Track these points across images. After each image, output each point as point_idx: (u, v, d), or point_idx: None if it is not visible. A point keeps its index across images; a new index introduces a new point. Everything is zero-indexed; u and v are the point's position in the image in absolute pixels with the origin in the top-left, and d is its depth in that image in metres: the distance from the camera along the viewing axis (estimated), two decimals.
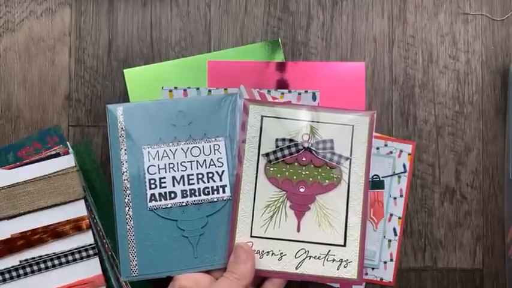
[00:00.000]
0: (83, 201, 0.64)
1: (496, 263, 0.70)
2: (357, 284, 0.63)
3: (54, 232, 0.63)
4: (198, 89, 0.69)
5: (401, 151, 0.70)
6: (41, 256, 0.63)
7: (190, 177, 0.64)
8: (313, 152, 0.64)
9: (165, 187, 0.64)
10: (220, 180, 0.64)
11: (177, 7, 0.71)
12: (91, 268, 0.63)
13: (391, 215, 0.69)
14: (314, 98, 0.69)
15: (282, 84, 0.69)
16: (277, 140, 0.64)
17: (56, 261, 0.63)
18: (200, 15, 0.71)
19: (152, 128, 0.64)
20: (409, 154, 0.70)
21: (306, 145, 0.64)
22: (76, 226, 0.63)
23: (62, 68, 0.70)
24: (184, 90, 0.69)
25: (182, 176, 0.64)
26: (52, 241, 0.63)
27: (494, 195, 0.71)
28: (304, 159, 0.64)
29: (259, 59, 0.70)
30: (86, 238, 0.63)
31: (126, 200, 0.63)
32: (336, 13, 0.71)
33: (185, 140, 0.65)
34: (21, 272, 0.62)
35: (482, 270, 0.70)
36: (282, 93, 0.69)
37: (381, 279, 0.69)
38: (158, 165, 0.64)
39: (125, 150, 0.64)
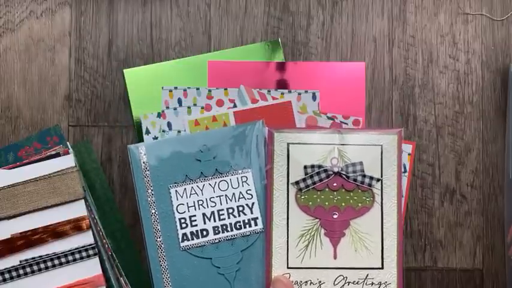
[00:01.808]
0: (83, 201, 0.64)
1: (496, 263, 0.70)
2: None
3: (54, 232, 0.63)
4: (198, 89, 0.69)
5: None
6: (41, 256, 0.63)
7: (221, 212, 0.63)
8: (344, 176, 0.63)
9: (196, 225, 0.63)
10: (251, 212, 0.63)
11: (177, 7, 0.71)
12: (91, 268, 0.63)
13: None
14: (314, 98, 0.69)
15: (282, 84, 0.69)
16: (305, 167, 0.63)
17: (56, 261, 0.63)
18: (200, 15, 0.71)
19: (177, 165, 0.63)
20: (409, 154, 0.70)
21: (335, 170, 0.63)
22: (76, 226, 0.63)
23: (62, 68, 0.70)
24: (184, 90, 0.69)
25: (212, 212, 0.63)
26: (52, 241, 0.63)
27: (494, 195, 0.71)
28: (335, 184, 0.63)
29: (259, 59, 0.70)
30: (86, 238, 0.63)
31: (158, 242, 0.62)
32: (336, 13, 0.71)
33: (211, 174, 0.63)
34: (21, 272, 0.62)
35: (482, 270, 0.70)
36: (282, 93, 0.69)
37: None
38: (187, 203, 0.63)
39: (152, 191, 0.63)
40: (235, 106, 0.68)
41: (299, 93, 0.69)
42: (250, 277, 0.62)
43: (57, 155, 0.64)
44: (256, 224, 0.63)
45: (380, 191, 0.63)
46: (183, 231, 0.63)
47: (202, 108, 0.69)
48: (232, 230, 0.63)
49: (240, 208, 0.63)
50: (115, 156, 0.69)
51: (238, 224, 0.63)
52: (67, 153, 0.65)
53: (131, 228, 0.68)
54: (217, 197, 0.63)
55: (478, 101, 0.71)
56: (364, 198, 0.63)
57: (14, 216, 0.63)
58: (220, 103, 0.69)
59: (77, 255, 0.63)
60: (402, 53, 0.71)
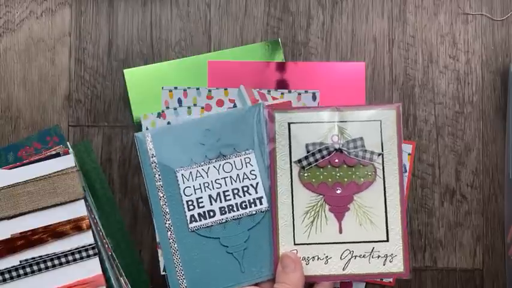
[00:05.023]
0: (83, 201, 0.64)
1: (496, 263, 0.70)
2: (404, 276, 0.63)
3: (54, 232, 0.63)
4: (198, 89, 0.69)
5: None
6: (41, 256, 0.63)
7: (226, 193, 0.65)
8: (345, 152, 0.64)
9: (203, 207, 0.64)
10: (256, 192, 0.65)
11: (177, 7, 0.71)
12: (91, 268, 0.63)
13: None
14: (314, 98, 0.69)
15: (282, 84, 0.69)
16: (307, 145, 0.64)
17: (56, 261, 0.63)
18: (200, 15, 0.71)
19: (182, 150, 0.65)
20: (409, 154, 0.70)
21: (336, 146, 0.64)
22: (76, 226, 0.63)
23: (62, 68, 0.70)
24: (185, 90, 0.69)
25: (218, 194, 0.65)
26: (52, 241, 0.63)
27: (494, 195, 0.71)
28: (336, 160, 0.64)
29: (259, 59, 0.70)
30: (86, 238, 0.63)
31: (167, 224, 0.64)
32: (336, 13, 0.71)
33: (216, 157, 0.65)
34: (21, 272, 0.62)
35: (482, 270, 0.70)
36: (282, 93, 0.69)
37: (381, 279, 0.69)
38: (193, 186, 0.65)
39: (159, 175, 0.64)
40: (235, 106, 0.68)
41: (299, 93, 0.69)
42: (259, 255, 0.64)
43: (57, 155, 0.64)
44: (261, 203, 0.64)
45: (381, 165, 0.64)
46: (191, 212, 0.64)
47: (202, 108, 0.69)
48: (238, 210, 0.64)
49: (245, 188, 0.65)
50: (115, 156, 0.69)
51: (243, 204, 0.64)
52: (67, 153, 0.65)
53: (131, 228, 0.69)
54: (222, 178, 0.65)
55: (478, 101, 0.71)
56: (366, 172, 0.64)
57: (14, 216, 0.63)
58: (220, 103, 0.69)
59: (77, 255, 0.63)
60: (402, 53, 0.71)
